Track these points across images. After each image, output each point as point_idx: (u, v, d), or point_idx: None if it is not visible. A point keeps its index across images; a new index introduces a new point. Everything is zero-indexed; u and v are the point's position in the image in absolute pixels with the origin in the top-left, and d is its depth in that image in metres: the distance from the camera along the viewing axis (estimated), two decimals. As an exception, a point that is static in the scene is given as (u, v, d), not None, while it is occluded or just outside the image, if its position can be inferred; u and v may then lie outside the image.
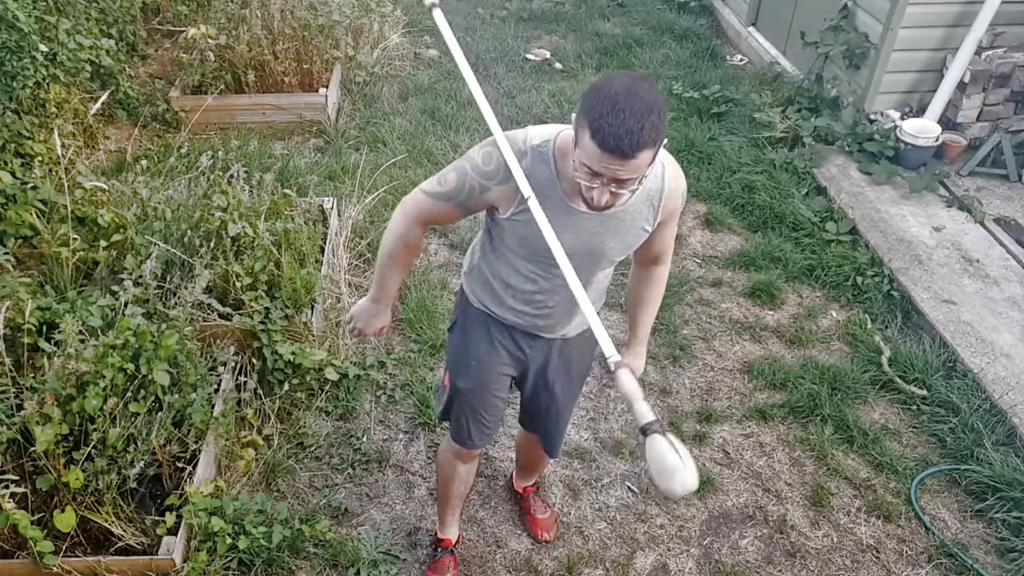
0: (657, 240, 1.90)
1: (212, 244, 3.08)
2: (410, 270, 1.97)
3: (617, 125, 1.45)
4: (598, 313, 2.11)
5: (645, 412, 1.50)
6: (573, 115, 1.58)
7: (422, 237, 1.92)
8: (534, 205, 1.62)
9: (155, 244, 3.04)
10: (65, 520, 2.27)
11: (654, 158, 1.52)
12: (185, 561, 2.37)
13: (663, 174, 1.76)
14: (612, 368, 1.51)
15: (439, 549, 2.56)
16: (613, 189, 1.54)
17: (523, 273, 1.89)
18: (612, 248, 1.81)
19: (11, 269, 3.07)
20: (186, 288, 2.88)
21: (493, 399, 2.15)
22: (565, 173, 1.68)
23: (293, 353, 2.96)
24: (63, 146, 3.83)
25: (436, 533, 2.60)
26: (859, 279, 3.79)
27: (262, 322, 2.95)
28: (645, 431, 1.50)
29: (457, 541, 2.61)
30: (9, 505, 2.19)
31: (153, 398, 2.47)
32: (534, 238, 1.68)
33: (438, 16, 1.92)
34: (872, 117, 4.73)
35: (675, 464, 1.45)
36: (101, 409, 2.35)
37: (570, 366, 2.16)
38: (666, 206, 1.79)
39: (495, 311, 2.01)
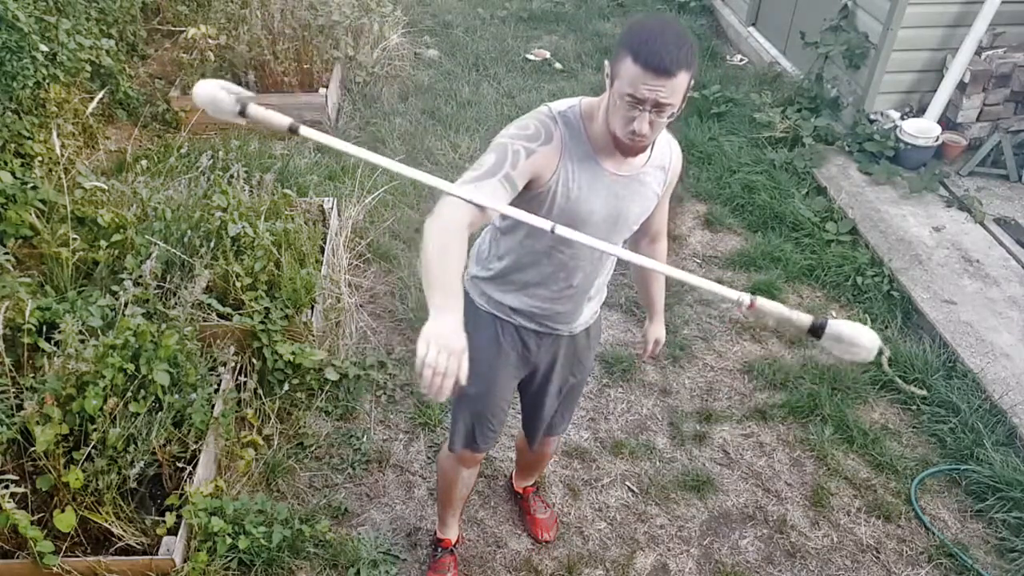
0: (658, 212, 2.00)
1: (212, 244, 3.08)
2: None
3: (658, 46, 1.53)
4: (597, 312, 2.14)
5: (803, 316, 1.54)
6: (606, 62, 1.65)
7: (468, 225, 1.60)
8: (562, 230, 1.57)
9: (155, 244, 3.04)
10: (65, 520, 2.27)
11: (688, 88, 1.60)
12: (185, 561, 2.37)
13: (667, 140, 1.86)
14: (749, 302, 1.54)
15: (439, 549, 2.56)
16: (652, 117, 1.59)
17: (548, 254, 1.89)
18: (633, 213, 1.87)
19: (11, 269, 3.07)
20: (186, 288, 2.87)
21: (500, 403, 2.16)
22: (593, 134, 1.73)
23: (293, 353, 2.96)
24: (63, 146, 3.83)
25: (436, 533, 2.60)
26: (859, 279, 3.79)
27: (262, 322, 2.95)
28: (817, 330, 1.52)
29: (457, 541, 2.61)
30: (9, 505, 2.18)
31: (153, 398, 2.47)
32: (571, 207, 1.74)
33: (306, 132, 1.54)
34: (872, 117, 4.73)
35: (856, 334, 1.52)
36: (101, 409, 2.35)
37: (574, 364, 2.19)
38: (673, 169, 1.89)
39: (513, 306, 1.99)
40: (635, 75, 1.55)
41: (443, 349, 1.36)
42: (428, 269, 1.49)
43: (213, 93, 1.51)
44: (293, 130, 1.54)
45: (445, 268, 1.49)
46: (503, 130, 1.72)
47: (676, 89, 1.56)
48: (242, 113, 1.51)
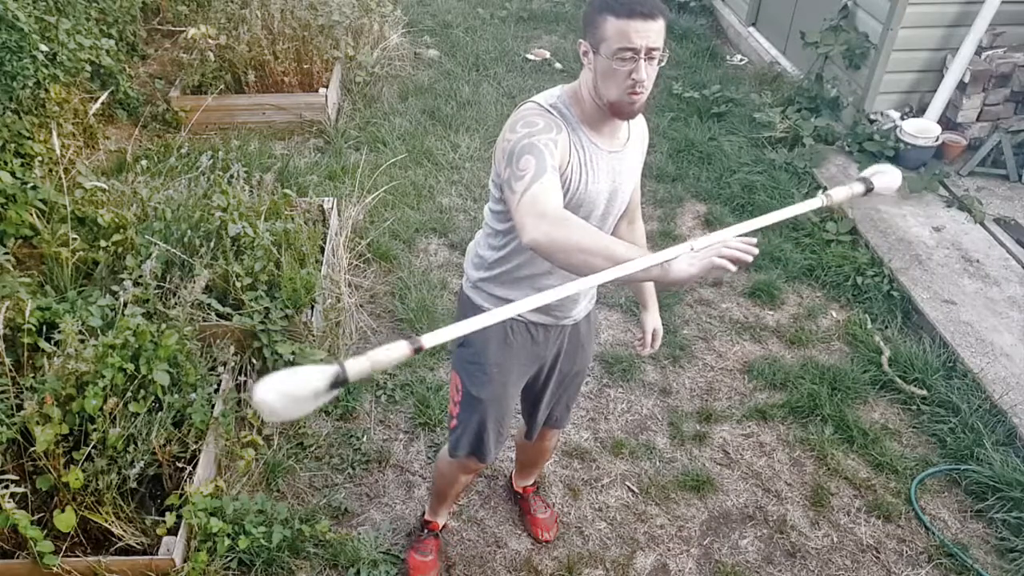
0: (635, 191, 2.06)
1: (212, 244, 3.08)
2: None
3: None
4: (594, 297, 2.16)
5: (856, 186, 1.67)
6: (580, 41, 1.73)
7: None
8: (699, 243, 1.48)
9: (155, 244, 3.04)
10: (65, 520, 2.27)
11: (664, 36, 1.68)
12: (185, 561, 2.37)
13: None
14: (827, 201, 1.62)
15: (426, 530, 2.60)
16: (646, 65, 1.66)
17: None
18: (627, 188, 1.92)
19: (11, 269, 3.07)
20: (186, 288, 2.88)
21: (511, 404, 2.18)
22: (583, 116, 1.79)
23: (293, 353, 2.95)
24: (63, 146, 3.83)
25: (424, 515, 2.62)
26: (859, 279, 3.79)
27: (262, 322, 2.95)
28: (869, 189, 1.69)
29: (443, 527, 2.64)
30: (9, 505, 2.18)
31: (153, 398, 2.47)
32: (583, 191, 1.79)
33: (432, 340, 1.22)
34: (872, 117, 4.73)
35: (889, 172, 1.72)
36: (101, 409, 2.35)
37: (577, 352, 2.21)
38: (646, 142, 1.99)
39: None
40: (622, 28, 1.63)
41: (696, 258, 1.39)
42: (614, 255, 1.43)
43: (292, 395, 1.12)
44: (418, 349, 1.21)
45: (610, 239, 1.49)
46: (508, 136, 1.71)
47: (660, 32, 1.65)
48: (343, 383, 1.16)
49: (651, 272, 1.40)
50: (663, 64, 1.71)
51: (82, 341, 2.53)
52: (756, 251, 1.39)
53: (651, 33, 1.63)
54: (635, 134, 1.91)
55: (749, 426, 3.13)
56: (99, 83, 4.48)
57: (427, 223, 4.09)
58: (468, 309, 2.08)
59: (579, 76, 1.79)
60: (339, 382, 1.14)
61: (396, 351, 1.18)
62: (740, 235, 1.44)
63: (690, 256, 1.38)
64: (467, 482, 2.39)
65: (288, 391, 1.12)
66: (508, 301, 1.98)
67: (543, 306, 1.97)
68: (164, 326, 2.63)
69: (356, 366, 1.15)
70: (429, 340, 1.20)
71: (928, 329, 3.51)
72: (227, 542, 2.41)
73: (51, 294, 2.97)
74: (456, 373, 2.14)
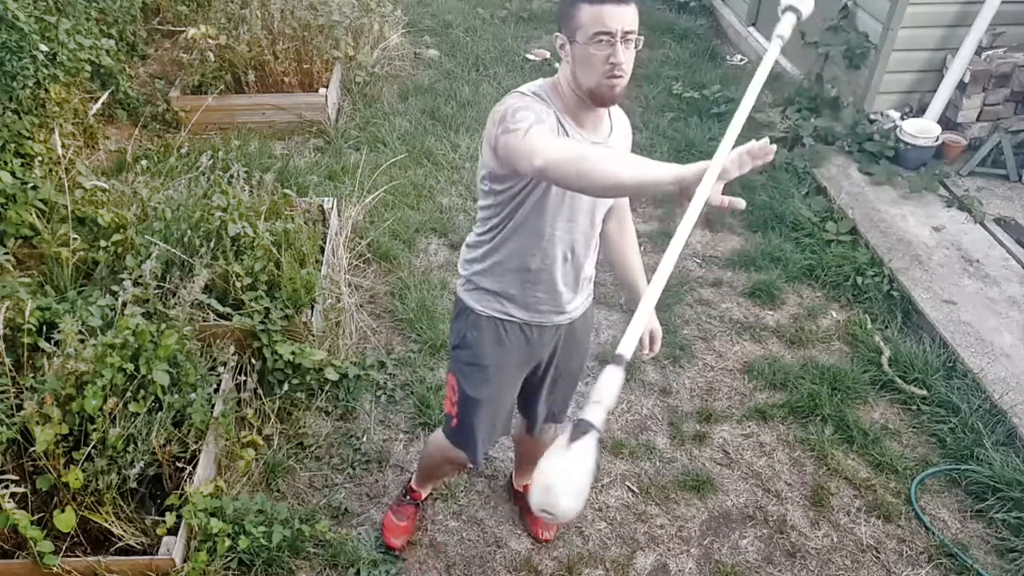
0: None
1: (212, 244, 3.08)
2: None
3: None
4: (591, 294, 2.17)
5: (789, 17, 1.74)
6: (556, 35, 1.78)
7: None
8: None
9: (155, 244, 3.04)
10: (65, 520, 2.27)
11: (638, 21, 1.74)
12: (185, 561, 2.37)
13: (619, 112, 1.98)
14: (780, 40, 1.70)
15: (408, 496, 2.64)
16: (623, 48, 1.70)
17: (547, 234, 1.90)
18: None
19: (11, 269, 3.07)
20: (186, 288, 2.88)
21: (509, 403, 2.18)
22: (564, 108, 1.82)
23: (293, 353, 2.95)
24: (63, 146, 3.83)
25: (411, 481, 2.65)
26: (859, 279, 3.79)
27: (262, 322, 2.95)
28: (797, 15, 1.76)
29: (425, 499, 2.69)
30: (9, 505, 2.18)
31: (153, 398, 2.47)
32: None
33: (623, 356, 1.26)
34: (872, 117, 4.73)
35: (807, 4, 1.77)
36: (101, 409, 2.35)
37: (573, 349, 2.21)
38: (629, 137, 2.02)
39: (514, 294, 2.00)
40: (596, 13, 1.67)
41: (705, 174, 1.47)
42: (630, 163, 1.56)
43: (584, 486, 1.19)
44: (626, 366, 1.24)
45: (619, 159, 1.61)
46: (497, 109, 1.76)
47: (634, 17, 1.70)
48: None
49: (667, 173, 1.51)
50: (639, 48, 1.75)
51: (82, 341, 2.53)
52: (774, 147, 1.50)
53: (625, 17, 1.68)
54: (617, 127, 1.93)
55: (749, 426, 3.13)
56: (99, 83, 4.49)
57: (427, 223, 4.09)
58: (462, 313, 2.09)
59: (558, 71, 1.83)
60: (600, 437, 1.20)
61: (614, 378, 1.20)
62: (750, 109, 1.63)
63: (690, 172, 1.49)
64: (451, 471, 2.45)
65: (579, 487, 1.18)
66: (501, 295, 2.01)
67: (535, 305, 1.99)
68: (164, 326, 2.63)
69: (598, 416, 1.19)
70: (626, 350, 1.23)
71: (928, 329, 3.51)
72: (227, 542, 2.41)
73: (51, 294, 2.97)
74: (452, 375, 2.14)
